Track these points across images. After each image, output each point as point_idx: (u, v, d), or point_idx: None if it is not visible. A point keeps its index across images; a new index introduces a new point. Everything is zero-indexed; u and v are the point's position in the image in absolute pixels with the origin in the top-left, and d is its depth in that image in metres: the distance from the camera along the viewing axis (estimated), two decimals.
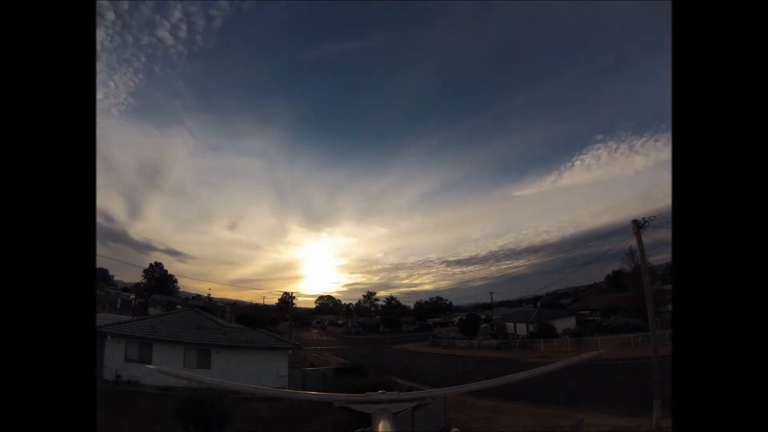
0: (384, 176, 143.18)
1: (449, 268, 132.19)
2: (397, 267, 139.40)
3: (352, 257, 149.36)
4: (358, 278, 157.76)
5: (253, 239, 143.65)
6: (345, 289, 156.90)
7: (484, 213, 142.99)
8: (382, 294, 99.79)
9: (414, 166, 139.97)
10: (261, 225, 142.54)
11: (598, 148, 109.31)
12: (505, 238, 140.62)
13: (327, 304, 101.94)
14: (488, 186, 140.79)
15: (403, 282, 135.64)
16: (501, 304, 68.54)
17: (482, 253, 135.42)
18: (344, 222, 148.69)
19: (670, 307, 22.72)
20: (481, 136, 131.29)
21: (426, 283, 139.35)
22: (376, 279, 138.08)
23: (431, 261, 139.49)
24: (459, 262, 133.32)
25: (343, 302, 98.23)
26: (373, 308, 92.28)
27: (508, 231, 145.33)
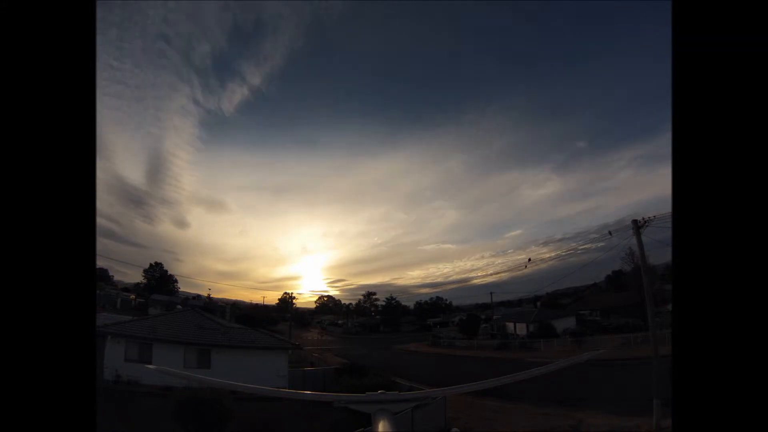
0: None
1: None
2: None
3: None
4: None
5: (258, 237, 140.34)
6: (349, 287, 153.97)
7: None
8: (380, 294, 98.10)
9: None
10: (264, 223, 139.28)
11: None
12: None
13: (327, 304, 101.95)
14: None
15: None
16: (501, 304, 68.47)
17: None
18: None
19: (670, 307, 22.73)
20: None
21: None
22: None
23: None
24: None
25: (343, 302, 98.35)
26: (373, 308, 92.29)
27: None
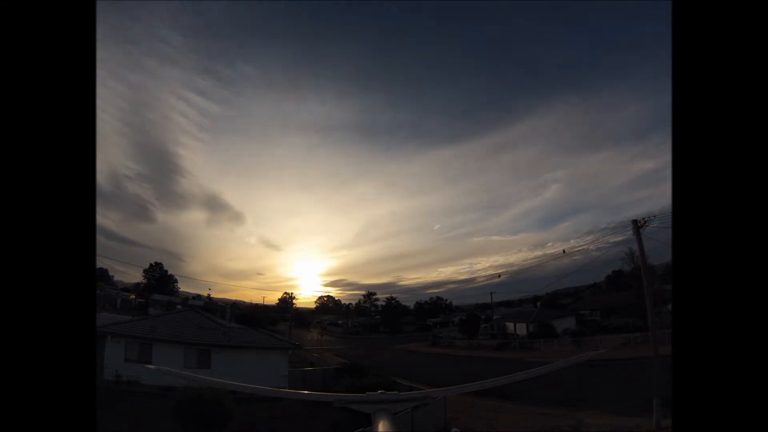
0: None
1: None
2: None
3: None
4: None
5: (259, 235, 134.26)
6: (351, 287, 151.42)
7: None
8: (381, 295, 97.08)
9: None
10: (265, 221, 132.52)
11: None
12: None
13: (327, 304, 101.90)
14: None
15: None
16: (501, 304, 68.40)
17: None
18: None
19: (670, 307, 22.72)
20: None
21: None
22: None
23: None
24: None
25: (343, 302, 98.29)
26: (373, 308, 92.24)
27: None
